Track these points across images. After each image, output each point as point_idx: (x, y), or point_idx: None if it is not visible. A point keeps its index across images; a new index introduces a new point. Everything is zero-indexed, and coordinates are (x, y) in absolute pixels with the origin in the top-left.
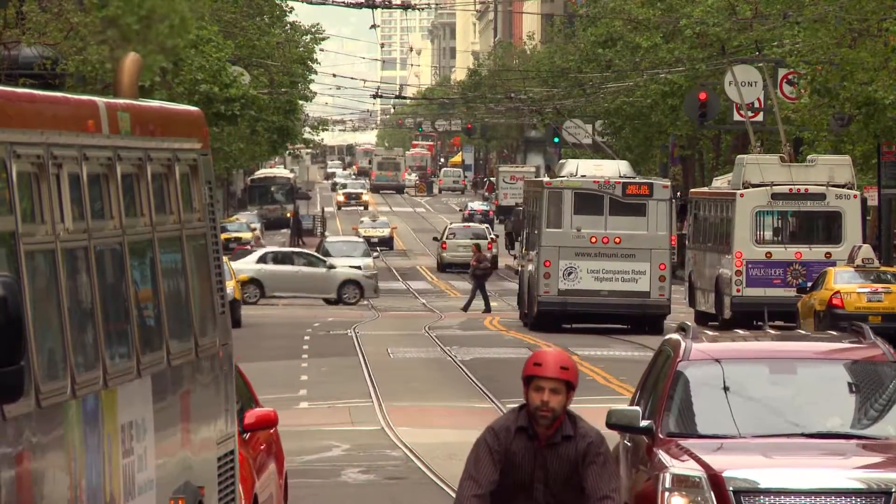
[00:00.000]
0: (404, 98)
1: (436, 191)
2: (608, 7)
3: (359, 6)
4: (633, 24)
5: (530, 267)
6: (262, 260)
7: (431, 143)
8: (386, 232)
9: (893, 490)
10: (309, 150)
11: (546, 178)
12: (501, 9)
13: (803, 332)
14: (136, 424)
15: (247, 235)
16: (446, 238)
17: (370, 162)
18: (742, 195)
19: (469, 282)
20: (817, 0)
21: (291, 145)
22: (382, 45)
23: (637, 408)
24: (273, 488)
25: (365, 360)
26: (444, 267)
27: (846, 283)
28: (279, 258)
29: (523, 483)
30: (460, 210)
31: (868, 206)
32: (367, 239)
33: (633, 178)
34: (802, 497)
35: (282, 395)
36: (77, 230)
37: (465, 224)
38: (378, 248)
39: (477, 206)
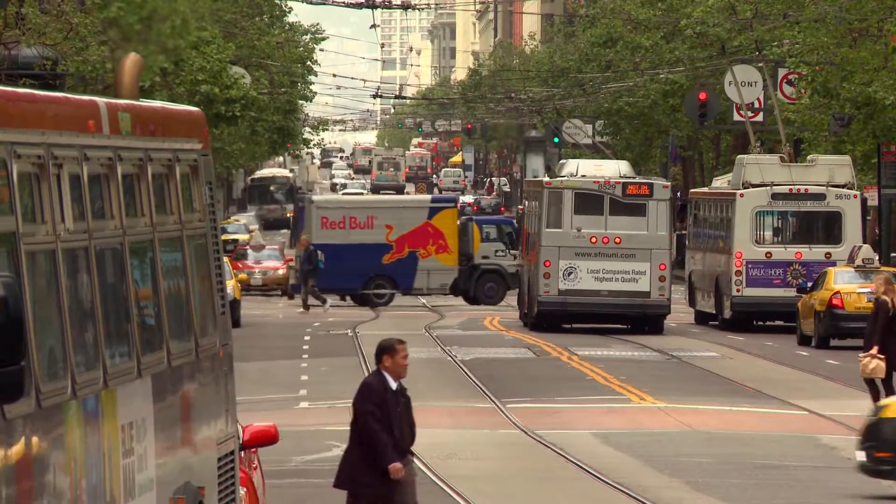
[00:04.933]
0: (404, 98)
1: (436, 191)
2: (608, 7)
3: (359, 6)
4: (633, 24)
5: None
6: None
7: (437, 141)
8: None
9: None
10: (310, 151)
11: (546, 178)
12: (501, 9)
13: None
14: (136, 424)
15: (244, 237)
16: None
17: (370, 162)
18: (742, 195)
19: None
20: (817, 0)
21: (305, 147)
22: (382, 45)
23: None
24: None
25: (365, 360)
26: None
27: (846, 284)
28: None
29: None
30: None
31: (868, 206)
32: None
33: (634, 178)
34: None
35: (282, 395)
36: (77, 230)
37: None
38: None
39: (467, 199)
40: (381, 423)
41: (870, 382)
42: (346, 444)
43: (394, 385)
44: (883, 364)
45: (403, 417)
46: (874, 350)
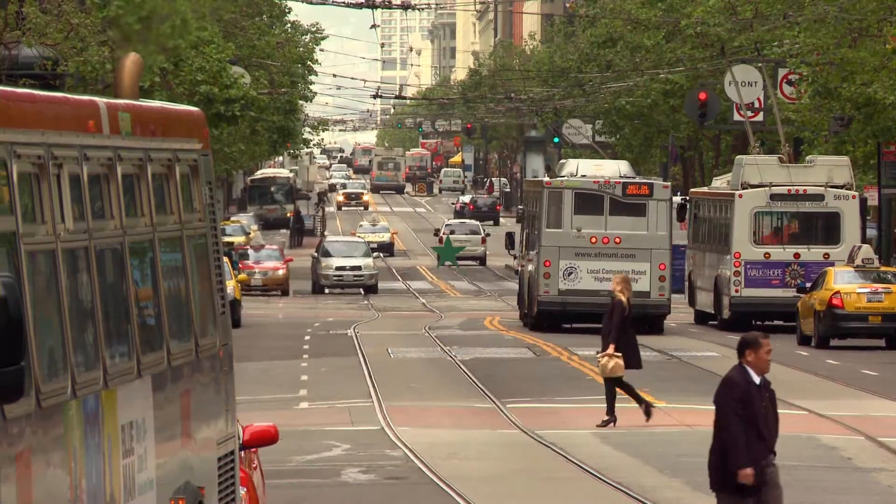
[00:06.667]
0: (404, 98)
1: (436, 191)
2: (607, 8)
3: (359, 6)
4: (633, 25)
5: (530, 267)
6: None
7: (440, 140)
8: (386, 237)
9: None
10: (309, 151)
11: (546, 178)
12: (501, 9)
13: None
14: (136, 424)
15: (240, 240)
16: (443, 233)
17: (370, 162)
18: (741, 196)
19: None
20: (817, 0)
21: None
22: (382, 45)
23: None
24: None
25: (365, 360)
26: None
27: (846, 283)
28: None
29: None
30: (452, 204)
31: (868, 205)
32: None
33: (634, 178)
34: None
35: (282, 395)
36: (77, 230)
37: (461, 220)
38: (378, 253)
39: (466, 199)
40: (745, 419)
41: (608, 382)
42: (344, 444)
43: (757, 380)
44: (621, 362)
45: (769, 412)
46: (611, 349)
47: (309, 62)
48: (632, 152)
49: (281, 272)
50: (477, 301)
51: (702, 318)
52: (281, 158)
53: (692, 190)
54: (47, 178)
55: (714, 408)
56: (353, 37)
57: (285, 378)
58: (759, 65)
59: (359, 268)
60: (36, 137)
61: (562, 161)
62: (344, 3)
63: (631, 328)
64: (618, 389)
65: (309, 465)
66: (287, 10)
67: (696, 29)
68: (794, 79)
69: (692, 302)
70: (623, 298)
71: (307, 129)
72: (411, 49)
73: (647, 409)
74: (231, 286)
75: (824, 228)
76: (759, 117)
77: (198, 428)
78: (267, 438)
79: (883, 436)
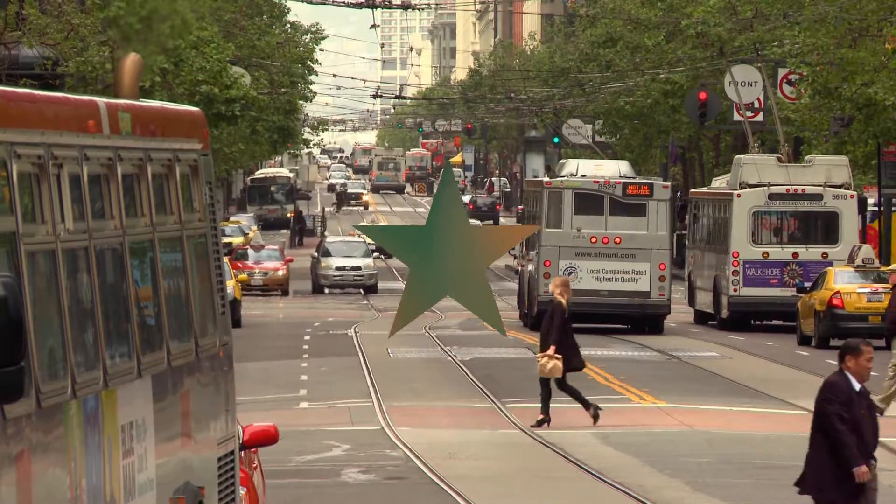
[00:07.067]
0: (404, 98)
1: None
2: (607, 8)
3: (359, 6)
4: (633, 24)
5: (530, 267)
6: None
7: (441, 140)
8: None
9: None
10: (309, 151)
11: (546, 178)
12: (501, 9)
13: None
14: (136, 425)
15: (239, 240)
16: None
17: (370, 162)
18: (739, 195)
19: None
20: (817, 0)
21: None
22: (382, 45)
23: None
24: None
25: (365, 360)
26: None
27: (846, 283)
28: None
29: None
30: None
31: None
32: None
33: (634, 178)
34: None
35: (282, 395)
36: (77, 230)
37: None
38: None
39: (466, 199)
40: (848, 424)
41: (544, 382)
42: (344, 444)
43: (857, 387)
44: (560, 364)
45: (868, 420)
46: (551, 350)
47: (309, 62)
48: (632, 152)
49: (281, 272)
50: None
51: (702, 318)
52: (281, 158)
53: (692, 190)
54: (47, 178)
55: (813, 411)
56: (353, 37)
57: (285, 378)
58: (759, 65)
59: (359, 268)
60: (36, 137)
61: (562, 161)
62: (344, 3)
63: (571, 329)
64: (577, 391)
65: (309, 465)
66: (287, 11)
67: (697, 29)
68: (794, 79)
69: (692, 302)
70: (562, 301)
71: (307, 129)
72: (411, 49)
73: (540, 423)
74: (231, 286)
75: (823, 228)
76: (759, 117)
77: (198, 428)
78: (267, 438)
79: (883, 436)
